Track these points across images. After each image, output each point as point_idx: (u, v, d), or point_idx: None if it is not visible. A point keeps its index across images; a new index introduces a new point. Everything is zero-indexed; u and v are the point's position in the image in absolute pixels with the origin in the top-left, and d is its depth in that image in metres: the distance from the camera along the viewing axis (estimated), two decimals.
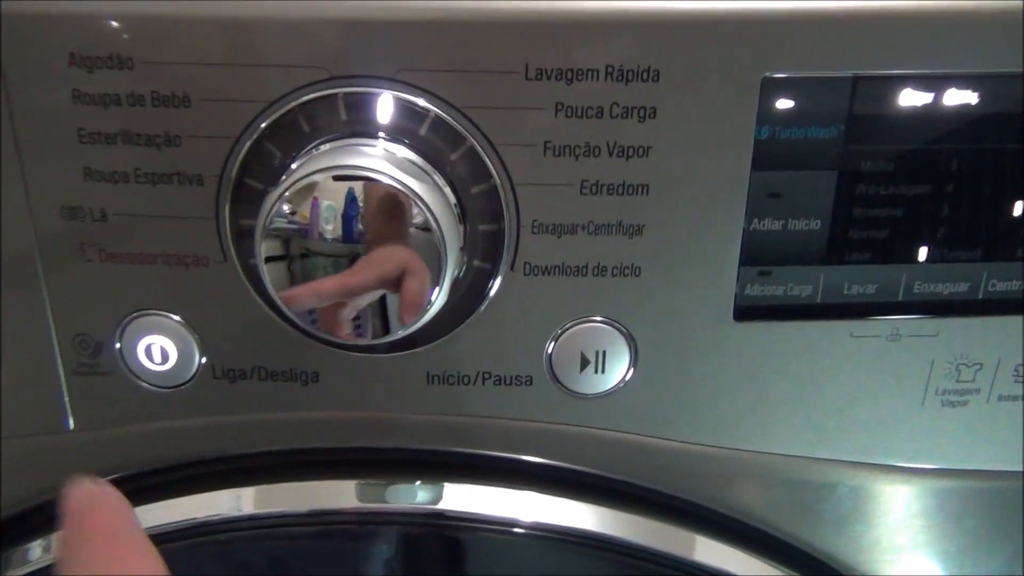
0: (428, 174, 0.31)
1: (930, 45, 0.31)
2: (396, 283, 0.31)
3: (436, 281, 0.31)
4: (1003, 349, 0.36)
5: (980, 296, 0.35)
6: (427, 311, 0.31)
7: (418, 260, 0.31)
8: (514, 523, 0.39)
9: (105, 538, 0.24)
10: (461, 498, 0.39)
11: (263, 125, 0.31)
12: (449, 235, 0.30)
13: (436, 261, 0.31)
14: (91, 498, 0.25)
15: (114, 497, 0.25)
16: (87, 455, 0.37)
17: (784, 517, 0.38)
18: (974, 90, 0.32)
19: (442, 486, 0.40)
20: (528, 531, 0.39)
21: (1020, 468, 0.37)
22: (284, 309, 0.32)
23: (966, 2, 0.31)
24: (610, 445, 0.36)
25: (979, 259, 0.34)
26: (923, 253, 0.34)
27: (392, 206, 0.30)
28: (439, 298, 0.31)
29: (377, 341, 0.32)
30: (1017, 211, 0.33)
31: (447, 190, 0.31)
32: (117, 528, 0.24)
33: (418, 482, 0.40)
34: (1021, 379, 0.36)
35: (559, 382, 0.35)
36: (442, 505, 0.39)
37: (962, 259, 0.34)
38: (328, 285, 0.31)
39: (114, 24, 0.30)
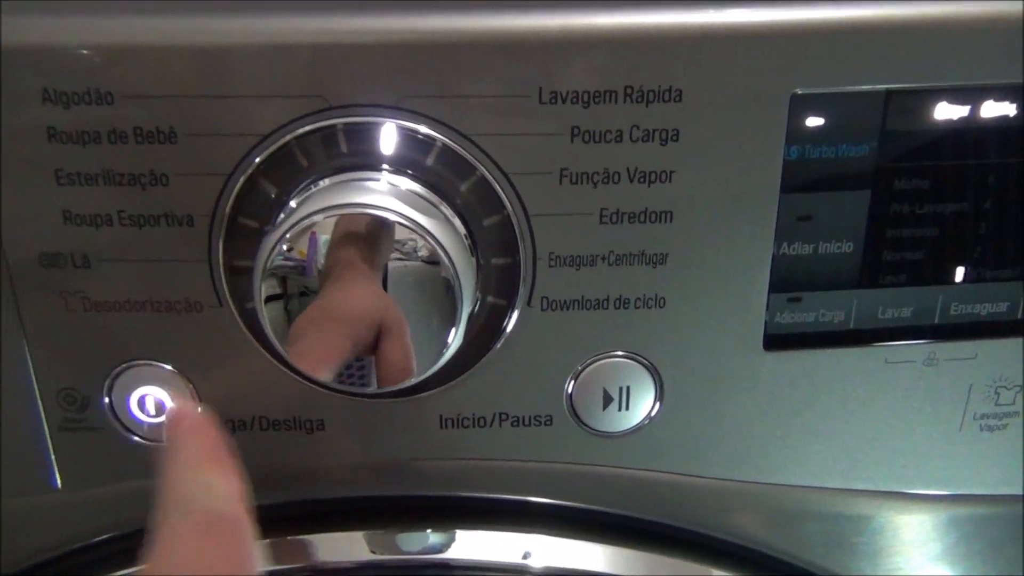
0: (436, 207, 0.29)
1: (965, 56, 0.29)
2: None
3: (452, 321, 0.29)
4: None
5: (1020, 316, 0.33)
6: (444, 354, 0.29)
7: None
8: (523, 570, 0.37)
9: (198, 460, 0.27)
10: (473, 545, 0.37)
11: (257, 160, 0.29)
12: (463, 271, 0.28)
13: (451, 300, 0.28)
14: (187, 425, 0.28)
15: (207, 424, 0.28)
16: (76, 514, 0.34)
17: (818, 552, 0.36)
18: (1012, 102, 0.30)
19: (454, 533, 0.38)
20: None
21: None
22: (285, 355, 0.29)
23: (1004, 8, 0.29)
24: (636, 484, 0.34)
25: (1018, 278, 0.32)
26: (960, 274, 0.32)
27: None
28: (456, 339, 0.29)
29: (384, 390, 0.30)
30: None
31: (457, 222, 0.29)
32: (211, 451, 0.28)
33: (429, 530, 0.37)
34: None
35: (581, 421, 0.33)
36: (449, 554, 0.37)
37: (1000, 278, 0.32)
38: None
39: (91, 55, 0.28)
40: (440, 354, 0.29)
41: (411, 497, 0.36)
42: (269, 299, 0.30)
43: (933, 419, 0.34)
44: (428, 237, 0.27)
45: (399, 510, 0.37)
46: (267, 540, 0.35)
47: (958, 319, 0.33)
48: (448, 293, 0.28)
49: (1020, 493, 0.35)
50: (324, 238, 0.29)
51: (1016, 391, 0.34)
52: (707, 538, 0.37)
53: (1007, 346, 0.33)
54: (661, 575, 0.37)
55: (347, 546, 0.38)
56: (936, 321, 0.33)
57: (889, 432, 0.34)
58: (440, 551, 0.38)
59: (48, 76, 0.28)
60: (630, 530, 0.37)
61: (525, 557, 0.38)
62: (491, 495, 0.35)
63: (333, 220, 0.28)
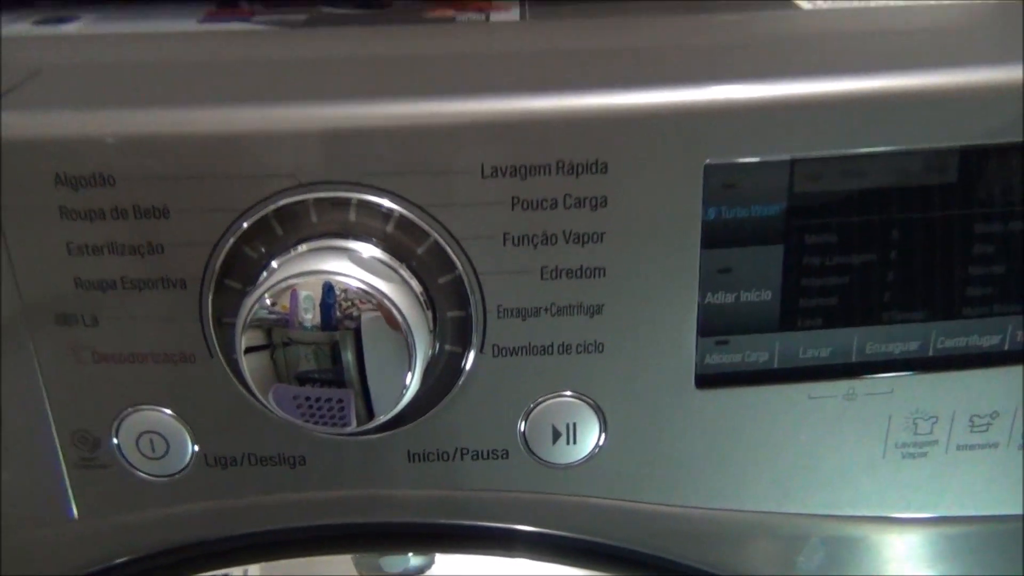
0: (395, 270, 0.33)
1: (863, 126, 0.33)
2: None
3: (408, 367, 0.33)
4: (957, 401, 0.37)
5: (931, 353, 0.36)
6: (403, 396, 0.33)
7: None
8: None
9: None
10: (453, 567, 0.41)
11: (244, 226, 0.33)
12: (416, 325, 0.32)
13: (405, 351, 0.32)
14: None
15: None
16: (91, 542, 0.39)
17: (761, 570, 0.40)
18: (906, 166, 0.34)
19: (433, 556, 0.41)
20: None
21: (984, 512, 0.39)
22: (264, 401, 0.33)
23: (893, 83, 0.33)
24: (588, 510, 0.38)
25: (926, 319, 0.36)
26: (873, 316, 0.36)
27: None
28: (412, 383, 0.33)
29: (361, 428, 0.34)
30: (958, 274, 0.35)
31: (414, 282, 0.33)
32: None
33: (411, 554, 0.41)
34: (977, 429, 0.38)
35: (534, 454, 0.37)
36: (433, 572, 0.41)
37: (911, 320, 0.36)
38: None
39: (95, 145, 0.32)
40: (400, 396, 0.33)
41: (393, 524, 0.40)
42: (257, 349, 0.34)
43: (856, 448, 0.37)
44: (385, 299, 0.32)
45: (382, 536, 0.41)
46: (260, 563, 0.39)
47: (873, 358, 0.36)
48: (403, 346, 0.32)
49: (943, 515, 0.39)
50: (305, 294, 0.33)
51: (933, 422, 0.37)
52: (683, 567, 0.40)
53: (921, 381, 0.37)
54: None
55: (337, 568, 0.42)
56: (853, 360, 0.36)
57: (816, 460, 0.37)
58: (421, 572, 0.42)
59: (59, 163, 0.32)
60: (611, 557, 0.40)
61: None
62: (464, 522, 0.39)
63: (309, 280, 0.32)
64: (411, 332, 0.32)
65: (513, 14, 0.44)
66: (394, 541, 0.40)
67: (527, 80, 0.34)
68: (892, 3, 0.43)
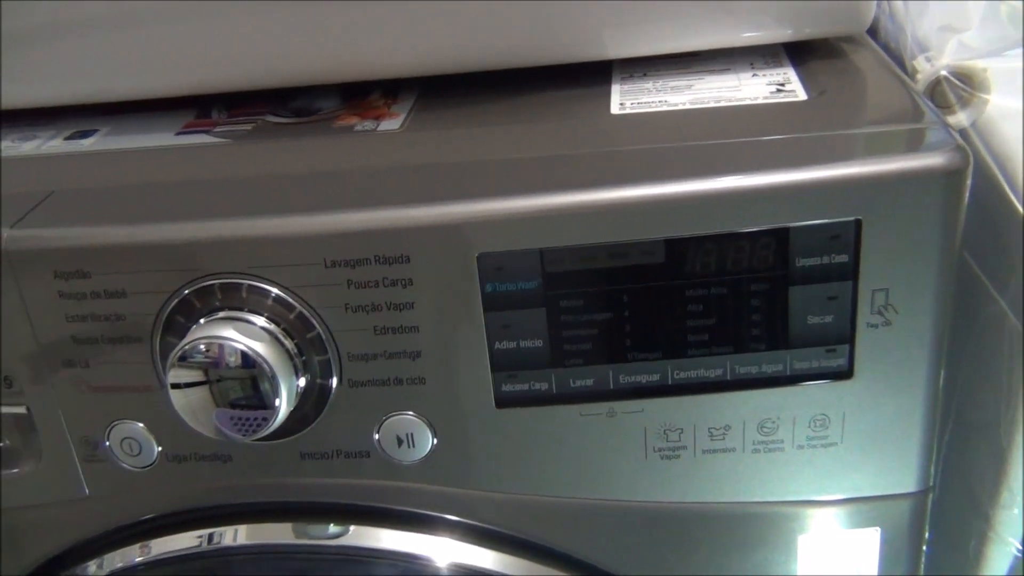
0: (272, 333, 0.48)
1: (586, 227, 0.46)
2: None
3: (278, 397, 0.48)
4: (697, 417, 0.50)
5: (669, 383, 0.49)
6: (279, 415, 0.48)
7: None
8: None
9: None
10: (363, 537, 0.56)
11: (174, 303, 0.49)
12: (281, 371, 0.47)
13: (275, 387, 0.48)
14: None
15: None
16: (99, 511, 0.56)
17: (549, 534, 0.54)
18: (625, 251, 0.46)
19: (348, 527, 0.57)
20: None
21: (725, 500, 0.52)
22: (189, 422, 0.49)
23: (613, 195, 0.46)
24: (429, 494, 0.53)
25: (662, 358, 0.49)
26: (620, 355, 0.49)
27: None
28: (283, 407, 0.48)
29: (259, 435, 0.50)
30: (678, 325, 0.48)
31: (288, 341, 0.48)
32: None
33: (331, 524, 0.57)
34: (716, 438, 0.50)
35: (386, 453, 0.52)
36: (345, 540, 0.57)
37: (649, 359, 0.49)
38: None
39: (76, 252, 0.49)
40: (277, 415, 0.48)
41: (303, 503, 0.56)
42: (197, 384, 0.50)
43: (622, 452, 0.51)
44: (258, 357, 0.47)
45: (295, 511, 0.56)
46: (207, 531, 0.55)
47: (625, 386, 0.49)
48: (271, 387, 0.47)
49: (694, 501, 0.52)
50: (232, 345, 0.49)
51: (679, 432, 0.50)
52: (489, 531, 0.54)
53: (666, 402, 0.50)
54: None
55: (277, 533, 0.58)
56: (611, 387, 0.49)
57: (589, 459, 0.51)
58: (338, 536, 0.58)
59: (55, 263, 0.49)
60: (451, 526, 0.55)
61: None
62: (347, 501, 0.54)
63: (212, 342, 0.48)
64: (276, 379, 0.47)
65: (395, 123, 0.58)
66: (291, 515, 0.55)
67: (359, 196, 0.49)
68: (690, 106, 0.55)
